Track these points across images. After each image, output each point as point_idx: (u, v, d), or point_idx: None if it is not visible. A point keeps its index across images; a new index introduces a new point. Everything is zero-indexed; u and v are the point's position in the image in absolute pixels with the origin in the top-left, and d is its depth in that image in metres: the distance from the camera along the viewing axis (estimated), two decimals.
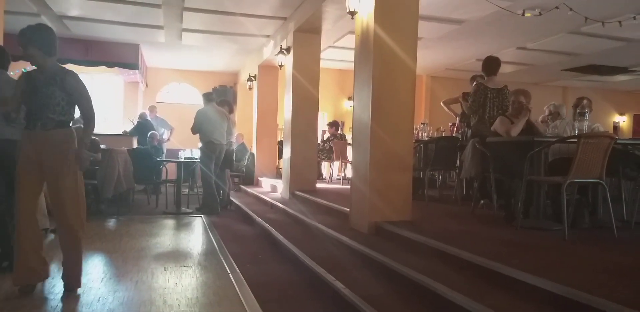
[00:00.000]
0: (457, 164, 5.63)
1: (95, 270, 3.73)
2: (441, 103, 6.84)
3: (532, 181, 3.86)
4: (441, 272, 2.95)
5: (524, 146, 3.87)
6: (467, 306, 2.39)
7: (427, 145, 5.89)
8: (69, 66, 7.89)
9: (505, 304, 2.42)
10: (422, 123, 7.46)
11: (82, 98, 3.11)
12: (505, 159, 4.24)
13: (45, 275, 3.18)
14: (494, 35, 8.31)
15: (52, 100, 3.01)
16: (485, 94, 5.20)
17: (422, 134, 6.85)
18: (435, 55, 9.78)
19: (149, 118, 10.31)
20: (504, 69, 5.74)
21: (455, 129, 6.33)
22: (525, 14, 6.42)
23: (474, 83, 5.50)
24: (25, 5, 7.13)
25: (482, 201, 5.10)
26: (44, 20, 7.78)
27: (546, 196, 4.09)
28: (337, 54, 9.69)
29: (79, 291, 3.16)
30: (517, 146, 4.06)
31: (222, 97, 9.30)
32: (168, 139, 10.68)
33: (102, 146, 7.09)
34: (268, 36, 8.77)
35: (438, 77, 12.15)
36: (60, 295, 3.07)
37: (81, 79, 3.17)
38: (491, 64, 5.34)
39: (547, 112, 5.65)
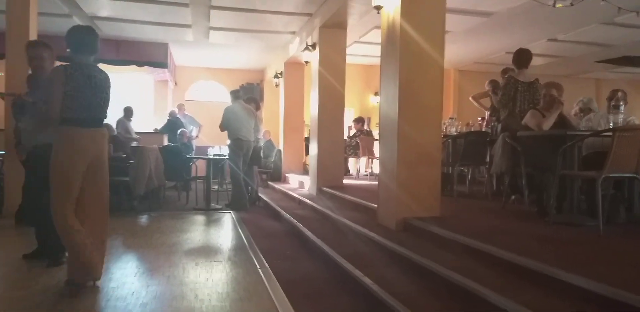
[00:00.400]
0: (487, 159, 5.54)
1: (128, 265, 3.83)
2: (470, 98, 6.74)
3: (565, 176, 3.77)
4: (471, 269, 2.92)
5: (556, 140, 3.78)
6: (498, 303, 2.36)
7: (455, 140, 5.80)
8: (101, 66, 8.15)
9: (539, 301, 2.37)
10: (450, 118, 7.34)
11: None
12: (537, 154, 4.15)
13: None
14: (523, 27, 8.12)
15: None
16: (516, 87, 5.09)
17: (450, 128, 6.75)
18: (463, 48, 9.62)
19: (178, 116, 10.48)
20: (535, 61, 5.61)
21: (484, 123, 6.23)
22: (556, 5, 6.24)
23: (505, 76, 5.39)
24: (58, 7, 7.33)
25: (513, 196, 5.01)
26: (76, 21, 7.98)
27: (580, 191, 3.98)
28: (363, 49, 9.64)
29: (114, 284, 3.24)
30: (549, 140, 3.96)
31: (249, 94, 9.37)
32: (197, 136, 10.83)
33: (134, 144, 7.26)
34: (294, 33, 8.79)
35: (466, 71, 11.96)
36: (96, 288, 3.16)
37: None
38: (522, 57, 5.23)
39: (577, 109, 5.48)
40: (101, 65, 3.57)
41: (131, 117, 9.13)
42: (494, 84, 6.68)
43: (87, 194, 3.14)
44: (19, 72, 5.91)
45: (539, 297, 2.43)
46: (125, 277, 3.42)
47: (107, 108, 3.29)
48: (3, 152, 6.14)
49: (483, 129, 6.16)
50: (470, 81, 11.21)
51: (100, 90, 3.20)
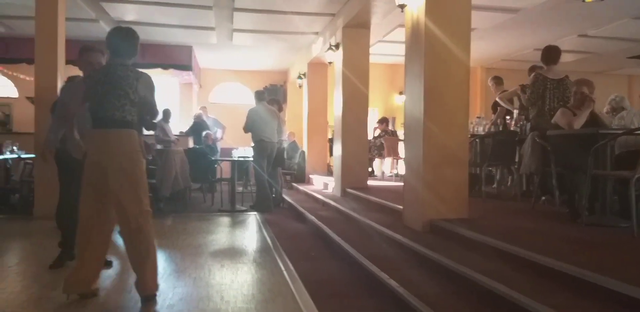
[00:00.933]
0: (516, 159, 5.41)
1: None
2: (497, 98, 6.60)
3: (598, 176, 3.65)
4: (500, 272, 2.85)
5: (587, 139, 3.66)
6: (528, 306, 2.29)
7: (483, 140, 5.69)
8: None
9: (570, 304, 2.30)
10: (477, 117, 7.22)
11: None
12: (568, 153, 4.03)
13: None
14: (552, 23, 7.92)
15: None
16: (545, 84, 4.96)
17: (477, 128, 6.63)
18: (490, 46, 9.45)
19: (204, 118, 10.59)
20: (565, 58, 5.47)
21: (513, 122, 6.09)
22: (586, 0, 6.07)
23: (533, 73, 5.25)
24: (85, 12, 7.49)
25: (543, 197, 4.88)
26: (102, 25, 8.15)
27: (613, 191, 3.85)
28: (387, 49, 9.56)
29: None
30: (580, 139, 3.85)
31: (273, 96, 9.41)
32: (221, 138, 10.92)
33: (158, 147, 7.36)
34: (317, 33, 8.78)
35: (493, 68, 11.72)
36: (124, 289, 3.19)
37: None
38: (550, 53, 5.09)
39: (608, 108, 5.30)
40: None
41: (169, 119, 9.28)
42: (496, 80, 6.57)
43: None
44: (48, 77, 6.06)
45: (570, 301, 2.35)
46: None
47: (127, 106, 2.94)
48: (33, 155, 6.30)
49: (511, 128, 6.02)
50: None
51: (115, 87, 2.93)
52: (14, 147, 7.10)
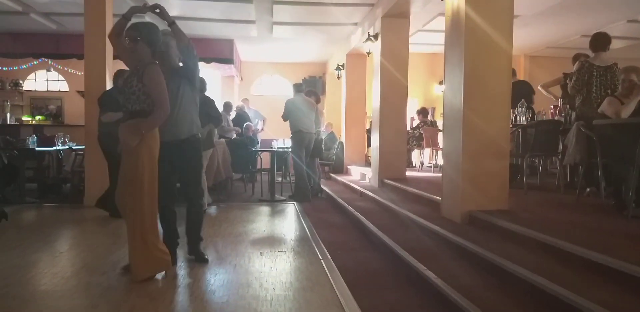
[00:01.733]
0: (560, 149, 5.25)
1: None
2: (539, 87, 6.39)
3: None
4: (542, 265, 2.80)
5: (636, 129, 3.52)
6: (571, 301, 2.25)
7: (525, 129, 5.55)
8: None
9: (614, 299, 2.24)
10: (519, 106, 7.03)
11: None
12: (615, 143, 3.88)
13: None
14: (601, 7, 7.57)
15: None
16: (591, 71, 4.77)
17: (520, 117, 6.45)
18: (534, 33, 9.12)
19: (246, 110, 10.77)
20: (613, 44, 5.22)
21: (557, 111, 5.90)
22: None
23: (580, 60, 5.06)
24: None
25: (588, 189, 4.73)
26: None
27: None
28: (426, 38, 9.41)
29: (184, 272, 3.42)
30: (628, 129, 3.69)
31: (311, 87, 9.46)
32: (261, 129, 11.07)
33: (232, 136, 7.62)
34: (356, 24, 8.73)
35: (537, 56, 11.35)
36: (167, 275, 3.34)
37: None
38: (598, 39, 4.89)
39: None
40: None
41: (230, 111, 9.51)
42: None
43: None
44: (97, 71, 6.31)
45: (616, 295, 2.30)
46: (195, 266, 3.58)
47: (139, 99, 3.13)
48: (84, 146, 6.59)
49: (555, 118, 5.84)
50: (541, 67, 10.65)
51: (129, 82, 3.17)
52: (66, 139, 7.46)
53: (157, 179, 3.21)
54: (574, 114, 5.10)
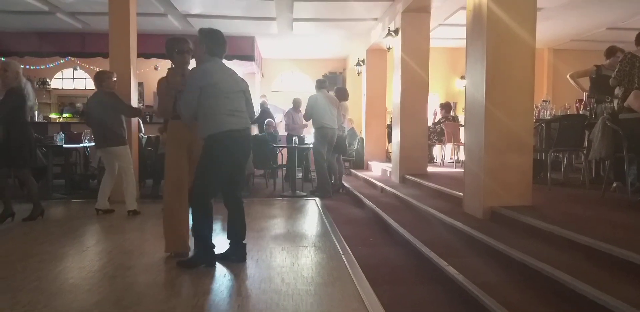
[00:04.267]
0: (585, 144, 5.16)
1: (221, 249, 4.05)
2: (568, 76, 6.25)
3: None
4: (567, 262, 2.76)
5: None
6: (595, 297, 2.22)
7: (549, 124, 5.46)
8: (194, 60, 8.60)
9: None
10: (543, 101, 6.93)
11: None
12: None
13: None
14: None
15: None
16: (633, 62, 4.64)
17: (543, 112, 6.35)
18: (558, 25, 8.93)
19: (267, 106, 10.83)
20: None
21: (582, 106, 5.78)
22: None
23: (625, 52, 4.92)
24: (154, 7, 7.83)
25: (614, 184, 4.63)
26: (171, 19, 8.49)
27: None
28: (447, 32, 9.30)
29: (206, 266, 3.47)
30: None
31: (333, 84, 9.45)
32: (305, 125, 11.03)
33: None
34: (376, 19, 8.68)
35: (562, 49, 11.12)
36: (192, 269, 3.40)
37: (193, 72, 3.52)
38: None
39: None
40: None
41: (299, 107, 9.60)
42: None
43: None
44: (121, 70, 6.41)
45: None
46: (218, 260, 3.62)
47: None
48: None
49: (580, 112, 5.72)
50: (566, 61, 10.44)
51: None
52: (92, 136, 7.62)
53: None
54: (599, 108, 4.99)
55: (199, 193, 3.38)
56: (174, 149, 3.63)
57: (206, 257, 3.47)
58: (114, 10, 6.50)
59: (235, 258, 3.57)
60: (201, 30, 3.51)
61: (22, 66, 5.11)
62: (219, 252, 3.58)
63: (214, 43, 3.46)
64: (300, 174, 8.45)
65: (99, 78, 5.49)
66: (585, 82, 6.00)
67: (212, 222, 3.50)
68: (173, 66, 3.73)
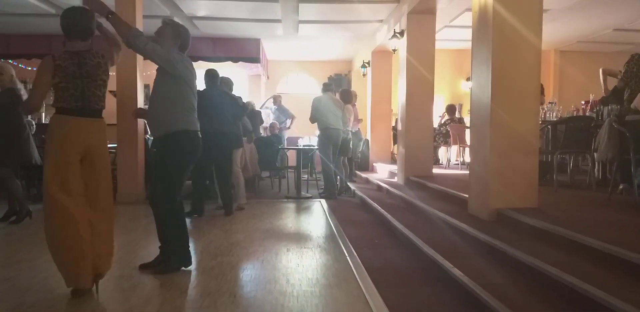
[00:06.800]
0: (593, 146, 5.13)
1: (226, 249, 4.07)
2: (600, 69, 6.16)
3: None
4: (573, 264, 2.75)
5: None
6: (601, 299, 2.21)
7: (555, 126, 5.44)
8: (200, 63, 8.65)
9: None
10: (549, 102, 6.89)
11: None
12: None
13: None
14: (633, 0, 7.33)
15: None
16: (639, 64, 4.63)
17: (550, 114, 6.33)
18: (565, 27, 8.90)
19: (275, 107, 10.87)
20: None
21: (588, 107, 5.75)
22: None
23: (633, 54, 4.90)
24: (160, 9, 7.87)
25: (621, 186, 4.61)
26: (176, 21, 8.51)
27: None
28: (453, 34, 9.29)
29: (211, 264, 3.48)
30: None
31: (339, 86, 9.47)
32: (288, 127, 11.11)
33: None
34: (381, 21, 8.69)
35: (568, 51, 11.07)
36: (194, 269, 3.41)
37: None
38: None
39: None
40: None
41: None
42: None
43: (89, 186, 3.04)
44: (128, 72, 6.45)
45: None
46: (224, 261, 3.64)
47: (103, 97, 3.08)
48: (115, 145, 6.75)
49: (587, 114, 5.70)
50: (573, 63, 10.42)
51: (92, 80, 3.00)
52: None
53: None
54: (605, 110, 4.96)
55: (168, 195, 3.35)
56: (61, 153, 2.86)
57: (183, 259, 3.40)
58: (120, 12, 6.39)
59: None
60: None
61: (29, 68, 5.16)
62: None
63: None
64: (306, 176, 8.46)
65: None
66: (611, 83, 5.93)
67: (185, 222, 3.49)
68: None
